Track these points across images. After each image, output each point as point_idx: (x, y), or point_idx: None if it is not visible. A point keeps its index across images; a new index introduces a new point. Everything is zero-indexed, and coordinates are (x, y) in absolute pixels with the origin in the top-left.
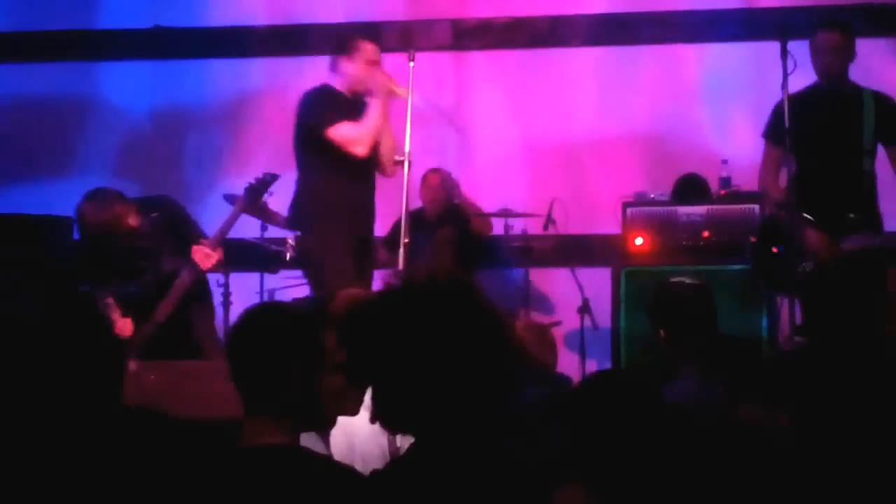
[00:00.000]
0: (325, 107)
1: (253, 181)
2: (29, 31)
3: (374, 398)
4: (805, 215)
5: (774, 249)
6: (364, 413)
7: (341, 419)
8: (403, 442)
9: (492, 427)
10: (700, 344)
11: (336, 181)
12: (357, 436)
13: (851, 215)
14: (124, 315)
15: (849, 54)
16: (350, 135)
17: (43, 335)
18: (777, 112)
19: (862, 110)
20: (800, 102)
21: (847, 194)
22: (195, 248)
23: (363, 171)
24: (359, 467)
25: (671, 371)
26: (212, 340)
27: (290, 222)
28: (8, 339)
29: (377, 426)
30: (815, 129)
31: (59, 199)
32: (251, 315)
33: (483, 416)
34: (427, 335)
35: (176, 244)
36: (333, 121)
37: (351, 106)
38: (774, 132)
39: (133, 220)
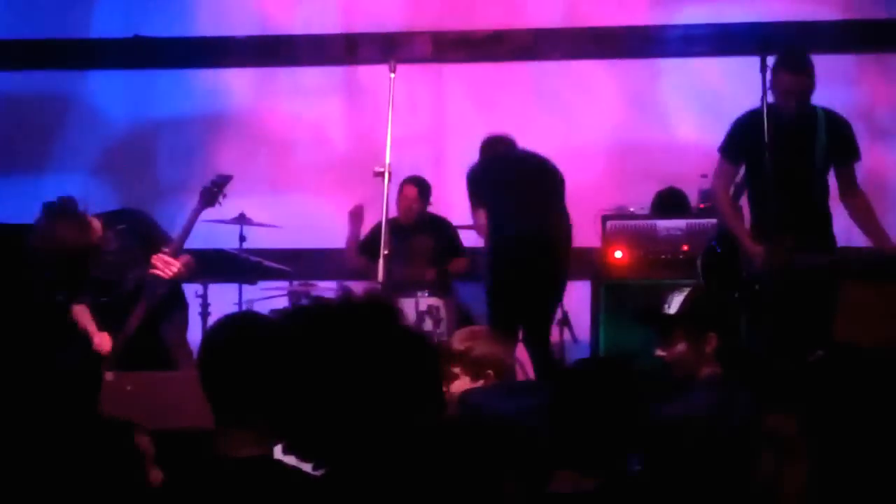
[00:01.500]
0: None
1: (207, 183)
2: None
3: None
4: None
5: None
6: None
7: None
8: None
9: (409, 451)
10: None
11: None
12: None
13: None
14: (101, 329)
15: (812, 88)
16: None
17: (21, 347)
18: (735, 129)
19: (815, 130)
20: (756, 120)
21: (800, 213)
22: (154, 257)
23: None
24: None
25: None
26: (184, 350)
27: None
28: None
29: None
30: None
31: (36, 203)
32: (222, 326)
33: (399, 440)
34: (341, 359)
35: (145, 254)
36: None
37: None
38: (730, 149)
39: (99, 235)
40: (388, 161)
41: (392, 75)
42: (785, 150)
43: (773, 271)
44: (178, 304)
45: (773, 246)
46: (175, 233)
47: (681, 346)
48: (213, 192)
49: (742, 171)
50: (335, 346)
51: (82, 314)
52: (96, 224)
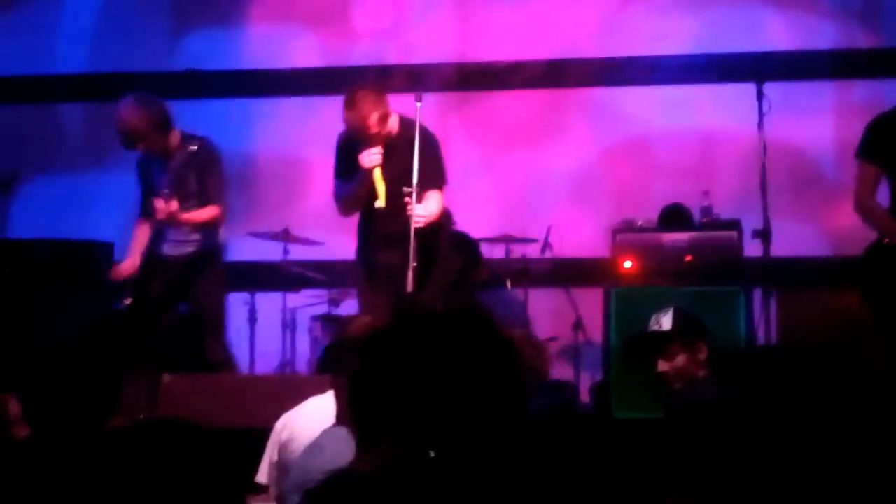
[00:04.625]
0: (334, 156)
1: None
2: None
3: (382, 423)
4: None
5: None
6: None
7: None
8: None
9: (504, 445)
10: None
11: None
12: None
13: None
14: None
15: None
16: (335, 197)
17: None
18: (872, 129)
19: None
20: (892, 121)
21: None
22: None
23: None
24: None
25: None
26: (212, 304)
27: None
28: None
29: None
30: None
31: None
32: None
33: (495, 437)
34: (446, 363)
35: (195, 189)
36: (334, 174)
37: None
38: (869, 149)
39: (169, 138)
40: (415, 182)
41: (418, 104)
42: None
43: None
44: (209, 261)
45: None
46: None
47: (680, 358)
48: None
49: None
50: (444, 352)
51: (138, 230)
52: (174, 132)
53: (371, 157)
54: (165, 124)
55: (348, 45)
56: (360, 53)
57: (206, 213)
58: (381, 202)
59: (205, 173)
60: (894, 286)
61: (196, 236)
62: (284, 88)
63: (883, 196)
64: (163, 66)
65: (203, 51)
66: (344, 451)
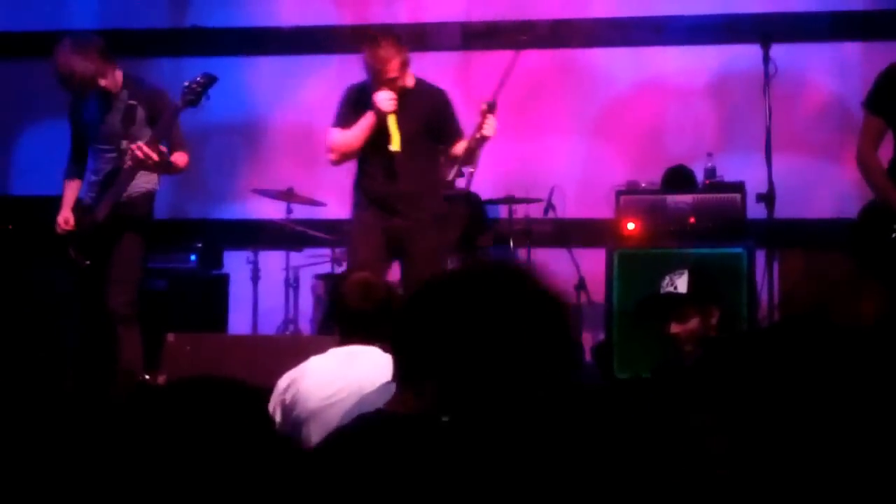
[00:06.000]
0: (338, 106)
1: (189, 82)
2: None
3: (429, 383)
4: None
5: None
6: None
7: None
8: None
9: (548, 404)
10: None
11: (360, 174)
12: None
13: None
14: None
15: None
16: (328, 142)
17: None
18: (881, 80)
19: None
20: None
21: None
22: (133, 146)
23: (387, 164)
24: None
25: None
26: (123, 256)
27: None
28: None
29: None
30: None
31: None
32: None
33: (541, 394)
34: (499, 318)
35: (145, 134)
36: (333, 122)
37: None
38: (875, 101)
39: (111, 79)
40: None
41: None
42: None
43: None
44: (135, 227)
45: None
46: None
47: (693, 321)
48: (195, 91)
49: None
50: (505, 306)
51: (67, 188)
52: (116, 71)
53: (389, 101)
54: (109, 58)
55: (354, 4)
56: (370, 12)
57: (182, 159)
58: (395, 146)
59: (164, 118)
60: (886, 249)
61: (147, 185)
62: (291, 46)
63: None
64: (169, 23)
65: (210, 6)
66: None
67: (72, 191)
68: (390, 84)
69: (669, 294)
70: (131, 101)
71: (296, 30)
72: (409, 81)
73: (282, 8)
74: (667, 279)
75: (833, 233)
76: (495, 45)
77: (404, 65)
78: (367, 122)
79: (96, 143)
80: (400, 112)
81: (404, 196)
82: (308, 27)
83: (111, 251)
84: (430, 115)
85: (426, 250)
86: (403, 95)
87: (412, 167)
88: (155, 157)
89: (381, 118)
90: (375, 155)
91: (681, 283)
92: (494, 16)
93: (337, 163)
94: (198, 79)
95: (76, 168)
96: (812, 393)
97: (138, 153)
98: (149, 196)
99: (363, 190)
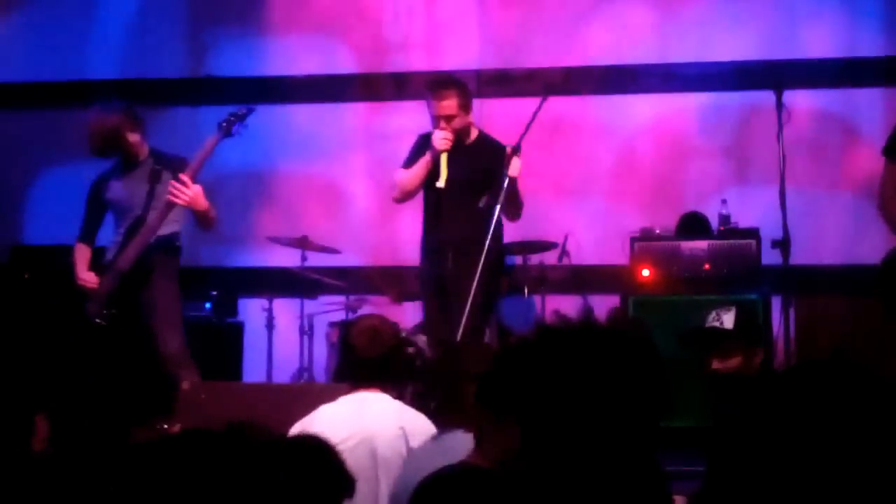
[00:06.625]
0: (412, 147)
1: (228, 115)
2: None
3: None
4: None
5: None
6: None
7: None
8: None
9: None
10: None
11: (425, 217)
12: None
13: None
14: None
15: None
16: (392, 180)
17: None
18: None
19: None
20: None
21: None
22: (171, 183)
23: (449, 208)
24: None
25: None
26: (166, 298)
27: None
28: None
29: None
30: None
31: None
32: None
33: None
34: (603, 376)
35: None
36: (403, 164)
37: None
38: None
39: (133, 139)
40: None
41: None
42: None
43: None
44: (170, 248)
45: None
46: (191, 160)
47: (736, 359)
48: (230, 122)
49: None
50: (611, 366)
51: (79, 251)
52: (143, 139)
53: (443, 140)
54: (135, 118)
55: (371, 52)
56: (385, 60)
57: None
58: (441, 182)
59: (200, 151)
60: None
61: (170, 227)
62: (306, 95)
63: None
64: (186, 73)
65: (225, 57)
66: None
67: (83, 253)
68: (448, 124)
69: (714, 329)
70: (157, 167)
71: (310, 78)
72: (472, 132)
73: (297, 57)
74: (713, 314)
75: (848, 279)
76: (508, 92)
77: (464, 107)
78: (424, 160)
79: (122, 212)
80: (454, 155)
81: (451, 243)
82: (323, 76)
83: (140, 298)
84: (485, 170)
85: (467, 295)
86: (459, 144)
87: (459, 212)
88: (188, 191)
89: (436, 157)
90: (429, 196)
91: (727, 319)
92: (505, 63)
93: (399, 200)
94: (233, 111)
95: (88, 234)
96: (842, 436)
97: (175, 192)
98: (172, 236)
99: (424, 239)
